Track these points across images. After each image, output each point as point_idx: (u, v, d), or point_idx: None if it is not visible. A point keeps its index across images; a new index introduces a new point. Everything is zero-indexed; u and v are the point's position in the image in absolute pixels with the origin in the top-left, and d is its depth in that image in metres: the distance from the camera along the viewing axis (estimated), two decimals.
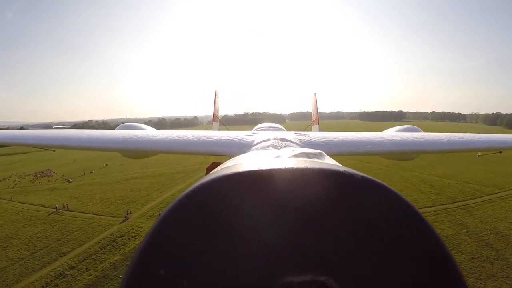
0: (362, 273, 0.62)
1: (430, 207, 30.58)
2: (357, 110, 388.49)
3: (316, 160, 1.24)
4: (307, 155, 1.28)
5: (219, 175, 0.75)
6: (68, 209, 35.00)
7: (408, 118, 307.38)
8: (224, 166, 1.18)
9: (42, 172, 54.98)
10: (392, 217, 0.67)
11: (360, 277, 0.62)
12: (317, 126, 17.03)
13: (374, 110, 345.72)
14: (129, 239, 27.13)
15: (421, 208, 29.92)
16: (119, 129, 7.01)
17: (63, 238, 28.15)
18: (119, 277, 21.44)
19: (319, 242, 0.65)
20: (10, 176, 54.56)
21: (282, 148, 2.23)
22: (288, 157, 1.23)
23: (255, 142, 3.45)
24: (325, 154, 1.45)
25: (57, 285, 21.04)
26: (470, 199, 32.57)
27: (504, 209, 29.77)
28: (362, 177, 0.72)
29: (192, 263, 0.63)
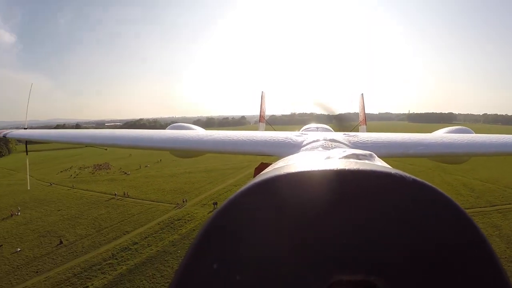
0: (412, 275, 0.62)
1: (467, 209, 29.12)
2: (406, 112, 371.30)
3: (366, 161, 1.22)
4: (357, 156, 1.28)
5: (272, 175, 0.76)
6: (128, 196, 37.06)
7: (458, 120, 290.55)
8: (275, 167, 1.18)
9: (100, 165, 59.02)
10: (442, 220, 0.66)
11: (410, 279, 0.62)
12: (364, 127, 16.73)
13: (423, 112, 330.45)
14: (185, 222, 28.24)
15: None
16: (169, 129, 7.16)
17: (125, 219, 29.87)
18: (178, 252, 22.28)
19: (370, 243, 0.65)
20: (70, 168, 59.42)
21: (332, 149, 2.20)
22: (339, 158, 1.23)
23: (304, 143, 3.38)
24: (375, 156, 1.41)
25: (123, 256, 22.33)
26: (509, 204, 31.70)
27: None
28: (413, 179, 0.72)
29: (244, 259, 0.64)
